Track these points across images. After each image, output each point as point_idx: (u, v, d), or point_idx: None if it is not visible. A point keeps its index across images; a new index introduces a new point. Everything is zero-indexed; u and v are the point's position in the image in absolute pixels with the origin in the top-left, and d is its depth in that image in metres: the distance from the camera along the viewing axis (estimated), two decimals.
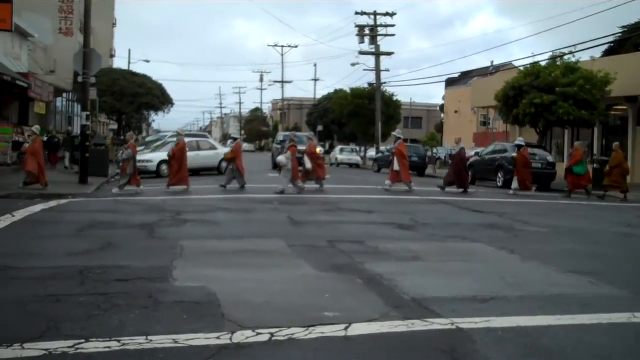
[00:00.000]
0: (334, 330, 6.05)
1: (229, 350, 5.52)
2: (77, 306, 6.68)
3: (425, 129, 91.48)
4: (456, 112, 64.93)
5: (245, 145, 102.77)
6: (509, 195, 22.71)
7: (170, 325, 6.10)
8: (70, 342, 5.53)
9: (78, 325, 6.02)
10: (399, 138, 23.57)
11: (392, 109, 52.79)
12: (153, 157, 28.83)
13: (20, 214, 13.67)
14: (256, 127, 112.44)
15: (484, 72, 61.46)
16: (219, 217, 14.14)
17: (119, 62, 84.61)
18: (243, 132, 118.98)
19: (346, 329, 6.10)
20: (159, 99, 48.10)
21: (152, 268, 8.56)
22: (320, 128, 68.81)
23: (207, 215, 14.48)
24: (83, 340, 5.59)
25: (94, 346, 5.49)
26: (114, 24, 71.41)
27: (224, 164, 30.62)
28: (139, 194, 19.88)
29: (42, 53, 41.91)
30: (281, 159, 21.01)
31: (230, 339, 5.77)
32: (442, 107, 76.09)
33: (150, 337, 5.72)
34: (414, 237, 11.91)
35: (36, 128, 21.06)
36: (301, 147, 29.77)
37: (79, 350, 5.38)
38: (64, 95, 44.43)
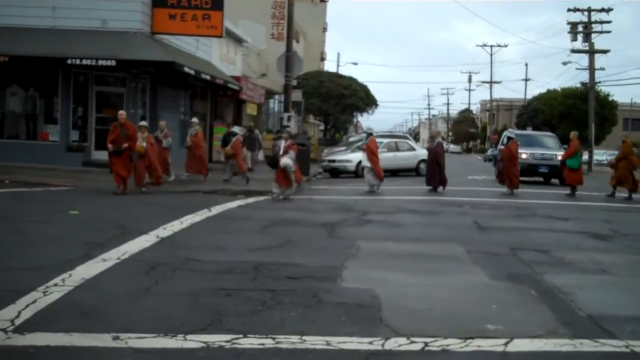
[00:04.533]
0: (492, 345, 5.73)
1: (378, 357, 5.43)
2: (244, 301, 6.91)
3: None
4: None
5: (452, 147, 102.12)
6: None
7: (327, 326, 6.12)
8: (228, 337, 5.72)
9: (240, 320, 6.22)
10: (370, 134, 22.38)
11: (607, 110, 49.60)
12: (352, 157, 29.30)
13: (216, 209, 14.47)
14: (464, 128, 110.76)
15: None
16: (403, 219, 14.04)
17: (330, 66, 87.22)
18: (450, 134, 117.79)
19: (506, 344, 5.75)
20: (363, 100, 48.95)
21: (324, 267, 8.66)
22: (529, 129, 66.31)
23: (392, 216, 14.43)
24: (241, 336, 5.76)
25: (250, 342, 5.63)
26: (325, 29, 73.78)
27: (422, 165, 30.59)
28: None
29: (255, 57, 44.35)
30: (287, 161, 17.80)
31: (382, 345, 5.67)
32: None
33: (304, 337, 5.77)
34: (607, 248, 11.01)
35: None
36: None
37: (234, 345, 5.55)
38: (276, 97, 46.62)
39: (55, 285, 7.23)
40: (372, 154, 20.78)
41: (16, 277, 7.56)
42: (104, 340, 5.56)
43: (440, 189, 21.32)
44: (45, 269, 7.88)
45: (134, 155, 17.02)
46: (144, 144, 17.30)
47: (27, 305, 6.42)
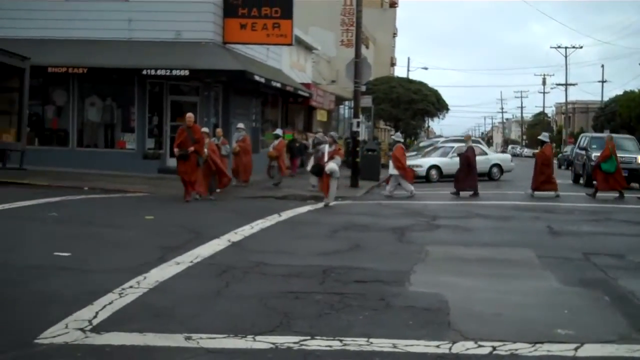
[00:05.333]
0: (561, 349, 5.66)
1: None
2: (312, 304, 7.00)
3: None
4: None
5: (526, 151, 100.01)
6: None
7: (394, 330, 6.15)
8: (296, 338, 5.82)
9: (308, 323, 6.30)
10: (397, 141, 22.17)
11: None
12: (423, 162, 29.21)
13: (286, 214, 14.65)
14: (538, 132, 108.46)
15: None
16: (473, 223, 13.92)
17: (400, 71, 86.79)
18: (525, 137, 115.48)
19: (576, 349, 5.67)
20: (434, 105, 48.55)
21: (392, 271, 8.68)
22: (607, 132, 64.44)
23: (462, 221, 14.32)
24: (309, 337, 5.85)
25: (317, 344, 5.71)
26: (395, 34, 73.68)
27: (494, 170, 30.22)
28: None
29: (325, 64, 44.64)
30: (333, 166, 16.65)
31: (450, 349, 5.66)
32: None
33: (371, 340, 5.81)
34: None
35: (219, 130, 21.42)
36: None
37: (302, 347, 5.64)
38: (346, 103, 46.76)
39: (131, 287, 7.48)
40: (397, 160, 20.64)
41: (94, 280, 7.85)
42: (176, 340, 5.73)
43: (468, 193, 20.84)
44: (121, 272, 8.16)
45: (201, 160, 16.72)
46: (205, 150, 17.10)
47: (104, 306, 6.67)
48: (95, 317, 6.33)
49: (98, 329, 5.98)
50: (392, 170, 20.82)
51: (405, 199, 19.58)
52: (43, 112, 25.18)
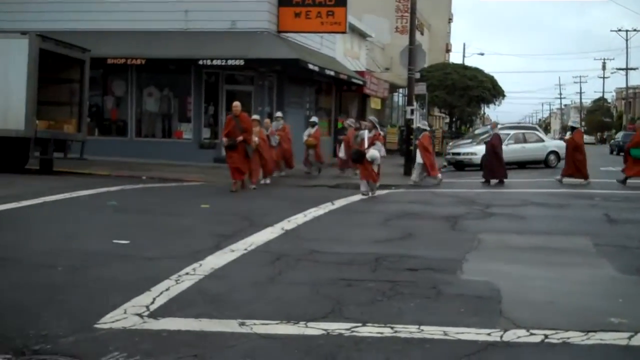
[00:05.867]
0: (614, 338, 5.60)
1: (496, 348, 5.43)
2: (364, 291, 7.06)
3: None
4: None
5: (585, 137, 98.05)
6: None
7: (445, 317, 6.16)
8: (348, 325, 5.89)
9: (359, 310, 6.37)
10: (424, 129, 21.52)
11: None
12: (477, 150, 28.81)
13: (339, 203, 14.72)
14: (597, 118, 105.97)
15: None
16: (528, 212, 13.75)
17: (455, 57, 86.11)
18: (583, 123, 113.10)
19: (630, 337, 5.60)
20: (489, 91, 47.83)
21: (444, 259, 8.67)
22: None
23: (516, 209, 14.16)
24: (360, 324, 5.91)
25: (368, 330, 5.78)
26: (450, 20, 72.80)
27: (551, 157, 29.69)
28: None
29: (380, 52, 44.49)
30: (375, 154, 16.25)
31: (501, 336, 5.66)
32: None
33: (422, 327, 5.85)
34: None
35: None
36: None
37: (353, 333, 5.71)
38: (400, 90, 46.52)
39: (187, 274, 7.66)
40: (424, 149, 20.45)
41: (152, 266, 8.06)
42: (230, 325, 5.86)
43: (494, 181, 20.49)
44: (178, 259, 8.36)
45: (250, 149, 16.50)
46: (256, 138, 17.05)
47: (161, 292, 6.86)
48: (152, 303, 6.51)
49: (155, 315, 6.15)
50: (419, 158, 20.70)
51: (441, 187, 19.61)
52: (103, 102, 25.86)
